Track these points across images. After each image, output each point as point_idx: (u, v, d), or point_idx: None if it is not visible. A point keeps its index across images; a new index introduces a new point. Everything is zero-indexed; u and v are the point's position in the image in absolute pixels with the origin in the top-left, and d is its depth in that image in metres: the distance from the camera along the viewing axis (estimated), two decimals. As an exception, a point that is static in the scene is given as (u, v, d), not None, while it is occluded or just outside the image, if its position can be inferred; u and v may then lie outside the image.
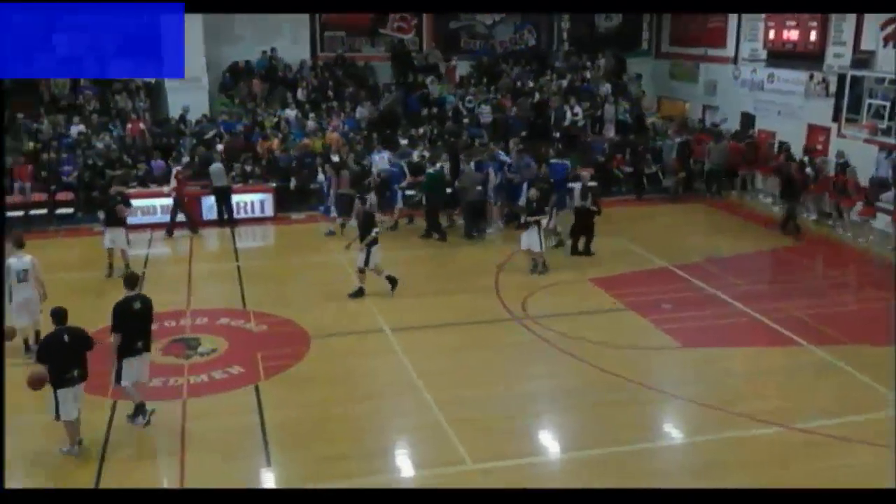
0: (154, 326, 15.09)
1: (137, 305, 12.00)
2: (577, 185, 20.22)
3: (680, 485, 10.44)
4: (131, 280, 12.38)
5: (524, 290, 17.40)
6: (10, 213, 22.07)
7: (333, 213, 21.81)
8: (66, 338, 11.36)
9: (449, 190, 22.18)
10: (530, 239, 18.24)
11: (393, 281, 17.16)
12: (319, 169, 23.09)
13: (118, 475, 10.90)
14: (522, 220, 18.87)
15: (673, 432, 12.26)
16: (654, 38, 33.69)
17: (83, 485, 10.54)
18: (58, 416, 11.26)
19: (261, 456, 11.28)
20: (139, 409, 11.99)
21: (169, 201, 22.41)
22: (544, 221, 18.71)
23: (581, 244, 19.79)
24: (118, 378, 11.87)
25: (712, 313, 16.24)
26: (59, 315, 11.55)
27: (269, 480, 10.77)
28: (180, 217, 22.26)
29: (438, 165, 21.92)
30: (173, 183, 22.17)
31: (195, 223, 22.45)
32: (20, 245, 14.31)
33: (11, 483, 10.73)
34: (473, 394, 12.90)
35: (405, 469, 11.21)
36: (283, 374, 13.78)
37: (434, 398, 12.68)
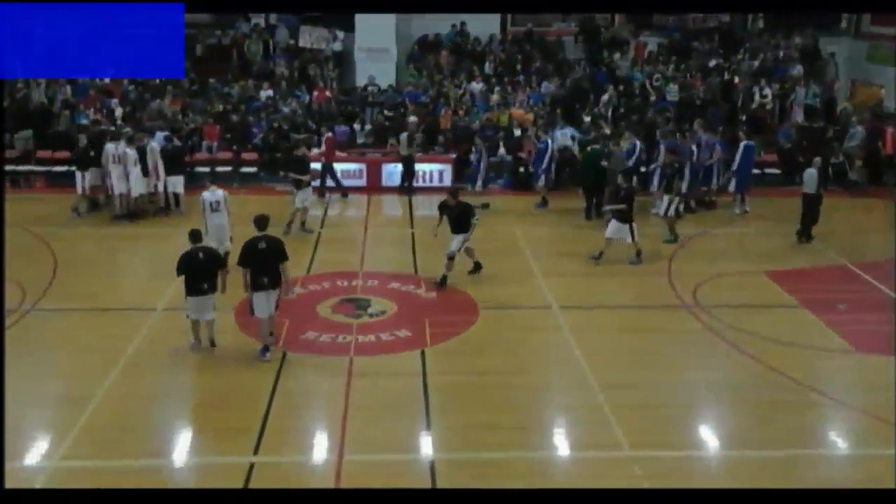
0: (326, 285, 16.24)
1: (262, 245, 12.93)
2: (813, 171, 19.33)
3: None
4: (260, 222, 13.23)
5: (696, 277, 17.05)
6: (197, 169, 23.74)
7: (479, 188, 22.44)
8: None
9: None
10: (620, 230, 17.66)
11: (445, 278, 16.61)
12: (500, 144, 23.33)
13: (284, 420, 11.59)
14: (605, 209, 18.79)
15: (838, 442, 11.79)
16: (855, 17, 31.85)
17: (253, 423, 11.29)
18: (252, 313, 13.08)
19: (421, 418, 11.67)
20: (266, 349, 13.14)
21: (346, 166, 23.54)
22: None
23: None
24: (251, 310, 13.18)
25: (891, 318, 15.37)
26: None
27: (426, 443, 11.12)
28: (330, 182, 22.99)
29: (609, 145, 21.60)
30: (322, 147, 23.10)
31: (344, 189, 23.17)
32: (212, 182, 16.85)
33: (183, 404, 11.64)
34: (636, 379, 12.86)
35: (561, 447, 11.37)
36: (450, 341, 14.12)
37: (596, 379, 12.73)
